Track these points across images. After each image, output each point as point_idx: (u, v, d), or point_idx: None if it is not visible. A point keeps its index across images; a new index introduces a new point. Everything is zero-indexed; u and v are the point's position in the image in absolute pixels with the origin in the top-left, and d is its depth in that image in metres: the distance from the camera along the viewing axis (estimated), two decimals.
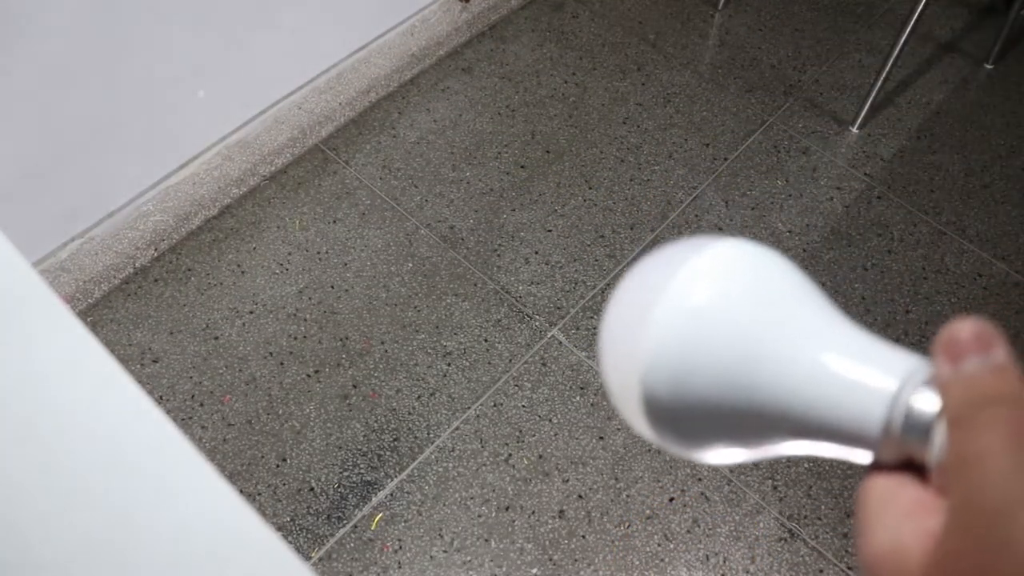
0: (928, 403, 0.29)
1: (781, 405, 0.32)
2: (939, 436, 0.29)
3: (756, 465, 1.46)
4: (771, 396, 0.32)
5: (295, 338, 1.57)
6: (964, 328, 0.28)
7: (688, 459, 0.44)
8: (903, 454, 0.30)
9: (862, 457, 0.32)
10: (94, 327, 1.57)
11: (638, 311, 0.35)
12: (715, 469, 1.44)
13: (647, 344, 0.34)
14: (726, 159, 1.85)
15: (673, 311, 0.34)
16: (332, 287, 1.63)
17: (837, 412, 0.31)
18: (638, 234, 1.72)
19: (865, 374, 0.31)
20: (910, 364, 0.31)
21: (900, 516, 0.29)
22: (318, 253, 1.68)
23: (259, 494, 1.42)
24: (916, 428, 0.30)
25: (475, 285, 1.64)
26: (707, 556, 1.37)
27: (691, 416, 0.34)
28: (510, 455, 1.45)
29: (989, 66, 2.03)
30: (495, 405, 1.50)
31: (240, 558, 0.44)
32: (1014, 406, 0.26)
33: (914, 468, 0.30)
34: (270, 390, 1.51)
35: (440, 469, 1.44)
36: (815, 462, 1.48)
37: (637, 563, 1.36)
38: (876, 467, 0.32)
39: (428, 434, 1.47)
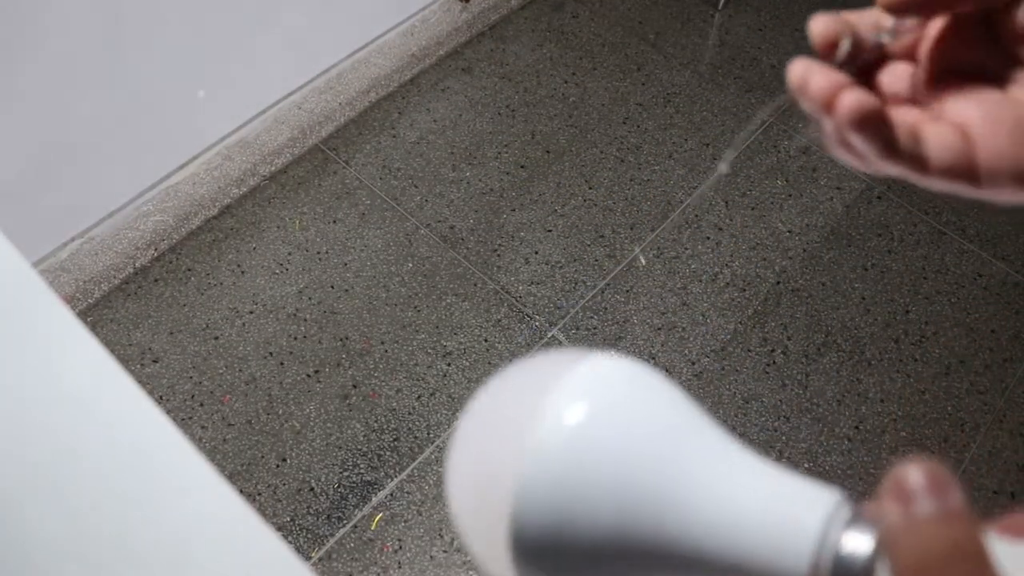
0: (860, 544, 0.27)
1: (686, 551, 0.28)
2: None
3: None
4: (673, 541, 0.28)
5: (295, 338, 1.57)
6: (917, 470, 0.26)
7: None
8: None
9: None
10: (94, 327, 1.57)
11: (506, 434, 0.30)
12: None
13: (519, 471, 0.28)
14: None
15: (551, 433, 0.29)
16: (332, 287, 1.63)
17: (754, 555, 0.27)
18: (638, 234, 1.72)
19: (785, 511, 0.28)
20: (831, 499, 0.27)
21: None
22: (318, 253, 1.68)
23: (259, 494, 1.42)
24: (849, 572, 0.27)
25: (475, 285, 1.64)
26: None
27: (573, 559, 0.29)
28: None
29: None
30: None
31: (240, 558, 0.44)
32: (975, 563, 0.24)
33: None
34: (270, 390, 1.51)
35: (440, 469, 1.44)
36: (815, 462, 1.48)
37: None
38: None
39: (428, 434, 1.47)
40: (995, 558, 0.24)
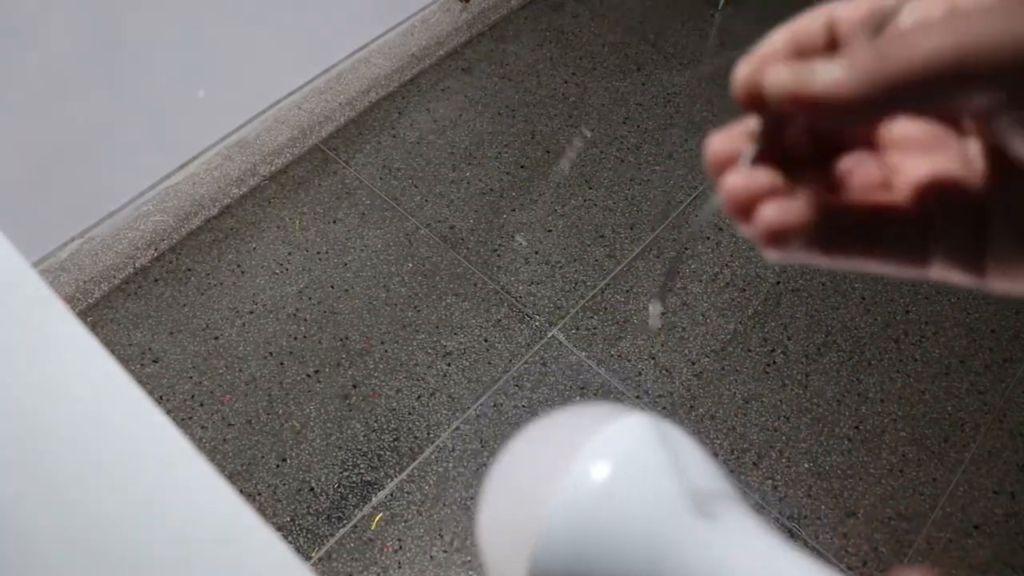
0: None
1: None
2: None
3: (756, 465, 1.46)
4: None
5: (295, 338, 1.57)
6: None
7: None
8: None
9: None
10: (94, 327, 1.57)
11: (530, 491, 0.31)
12: None
13: (540, 528, 0.29)
14: None
15: (571, 496, 0.30)
16: (332, 287, 1.63)
17: None
18: (638, 234, 1.72)
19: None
20: None
21: None
22: (318, 253, 1.68)
23: (259, 494, 1.42)
24: None
25: (475, 285, 1.64)
26: None
27: None
28: None
29: None
30: (495, 405, 1.50)
31: (240, 558, 0.44)
32: None
33: None
34: (270, 390, 1.51)
35: (440, 469, 1.44)
36: (815, 462, 1.48)
37: None
38: None
39: (428, 434, 1.47)
40: None
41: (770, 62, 0.26)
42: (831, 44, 0.27)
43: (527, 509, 0.30)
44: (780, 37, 0.28)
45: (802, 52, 0.27)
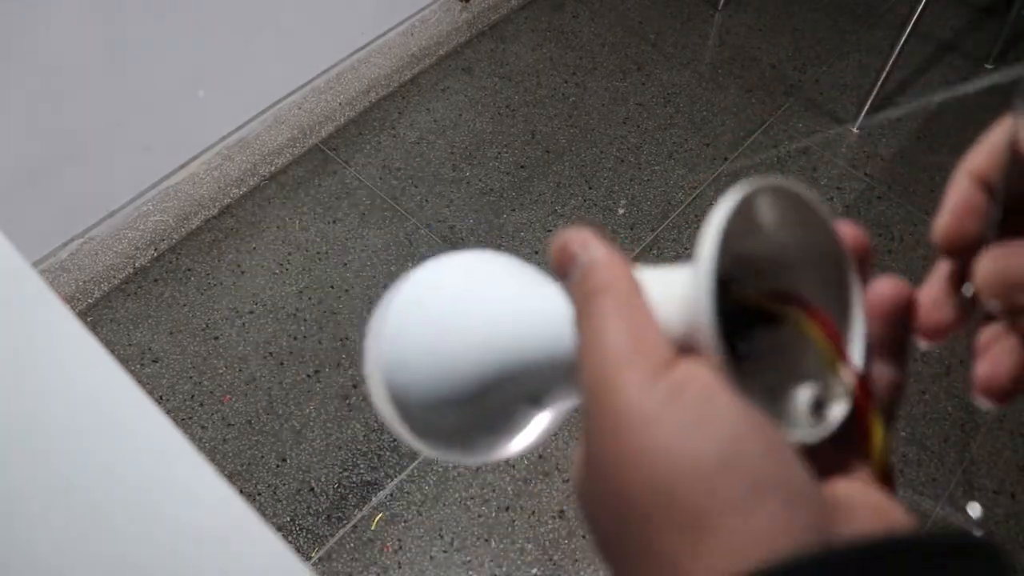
0: None
1: (496, 362, 0.32)
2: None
3: None
4: (479, 355, 0.33)
5: (295, 338, 1.57)
6: (563, 237, 0.30)
7: (472, 462, 0.44)
8: None
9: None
10: (94, 327, 1.57)
11: (371, 336, 0.37)
12: None
13: (378, 355, 0.35)
14: (726, 159, 1.85)
15: (387, 318, 0.35)
16: (332, 287, 1.63)
17: (539, 345, 0.31)
18: (638, 234, 1.72)
19: (552, 302, 0.32)
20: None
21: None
22: (318, 253, 1.68)
23: (259, 494, 1.42)
24: None
25: None
26: None
27: (432, 407, 0.34)
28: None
29: (989, 66, 2.03)
30: None
31: (240, 558, 0.44)
32: (613, 292, 0.28)
33: None
34: (270, 390, 1.51)
35: (440, 469, 1.44)
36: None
37: None
38: None
39: None
40: (647, 287, 0.29)
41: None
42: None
43: (373, 340, 0.36)
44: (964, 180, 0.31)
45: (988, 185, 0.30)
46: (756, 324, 0.31)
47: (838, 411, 0.29)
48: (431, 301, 0.35)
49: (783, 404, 0.30)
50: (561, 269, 0.30)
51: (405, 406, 0.35)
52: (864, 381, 0.29)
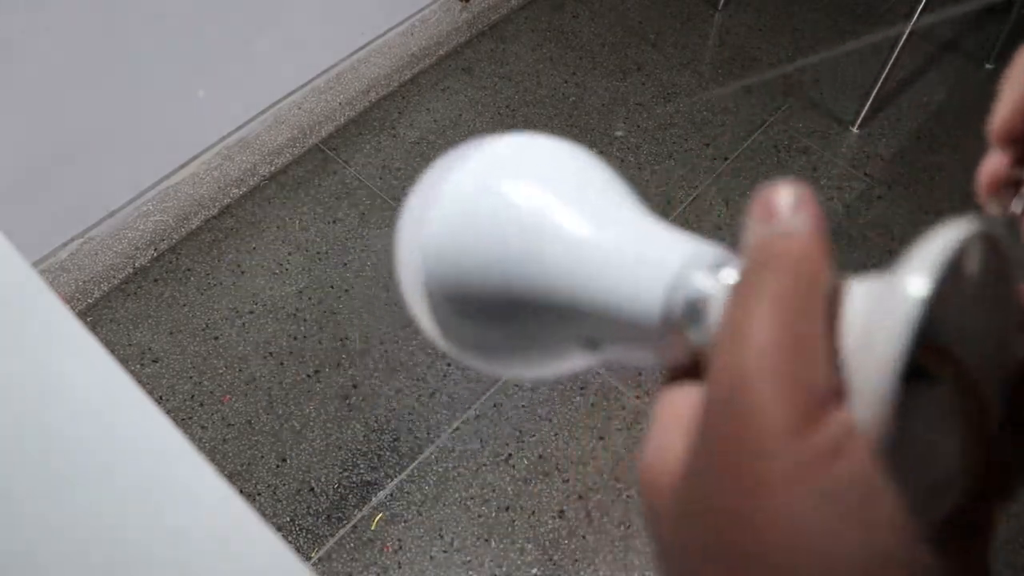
0: (713, 283, 0.25)
1: (556, 292, 0.28)
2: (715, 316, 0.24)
3: None
4: (545, 283, 0.28)
5: (295, 338, 1.57)
6: (784, 188, 0.24)
7: (491, 372, 0.39)
8: (690, 350, 0.26)
9: (652, 358, 0.28)
10: (94, 327, 1.57)
11: (416, 210, 0.32)
12: None
13: (424, 238, 0.31)
14: (726, 159, 1.85)
15: (446, 201, 0.30)
16: (332, 287, 1.63)
17: (615, 295, 0.27)
18: None
19: (646, 252, 0.27)
20: (701, 246, 0.27)
21: (671, 419, 0.25)
22: (318, 253, 1.68)
23: (259, 494, 1.42)
24: (698, 311, 0.25)
25: None
26: None
27: (472, 309, 0.30)
28: (510, 455, 1.45)
29: (990, 66, 2.03)
30: (495, 405, 1.50)
31: (240, 558, 0.44)
32: (795, 275, 0.22)
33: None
34: (270, 390, 1.52)
35: (440, 469, 1.44)
36: None
37: (637, 563, 1.36)
38: (672, 377, 0.27)
39: (428, 434, 1.47)
40: (844, 281, 0.23)
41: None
42: None
43: (418, 213, 0.31)
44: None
45: None
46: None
47: (957, 499, 0.24)
48: (508, 193, 0.30)
49: (915, 486, 0.24)
50: (756, 218, 0.24)
51: (441, 307, 0.31)
52: (1001, 476, 0.25)
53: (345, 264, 1.66)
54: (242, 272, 1.65)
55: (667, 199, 1.78)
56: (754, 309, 0.22)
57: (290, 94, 1.81)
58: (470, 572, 1.35)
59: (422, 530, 1.39)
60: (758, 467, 0.20)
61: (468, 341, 0.32)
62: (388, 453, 1.46)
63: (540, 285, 0.28)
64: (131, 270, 1.65)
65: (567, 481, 1.43)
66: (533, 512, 1.40)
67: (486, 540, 1.38)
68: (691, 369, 0.27)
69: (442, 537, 1.38)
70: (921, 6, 1.69)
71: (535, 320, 0.29)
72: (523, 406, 1.50)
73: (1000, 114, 0.30)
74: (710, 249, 0.27)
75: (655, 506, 0.24)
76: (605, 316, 0.27)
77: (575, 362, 0.31)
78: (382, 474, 1.44)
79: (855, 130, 1.91)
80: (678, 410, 0.25)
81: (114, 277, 1.64)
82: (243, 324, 1.59)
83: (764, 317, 0.21)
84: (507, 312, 0.29)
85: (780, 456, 0.20)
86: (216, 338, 1.57)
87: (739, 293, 0.22)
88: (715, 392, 0.22)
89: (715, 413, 0.22)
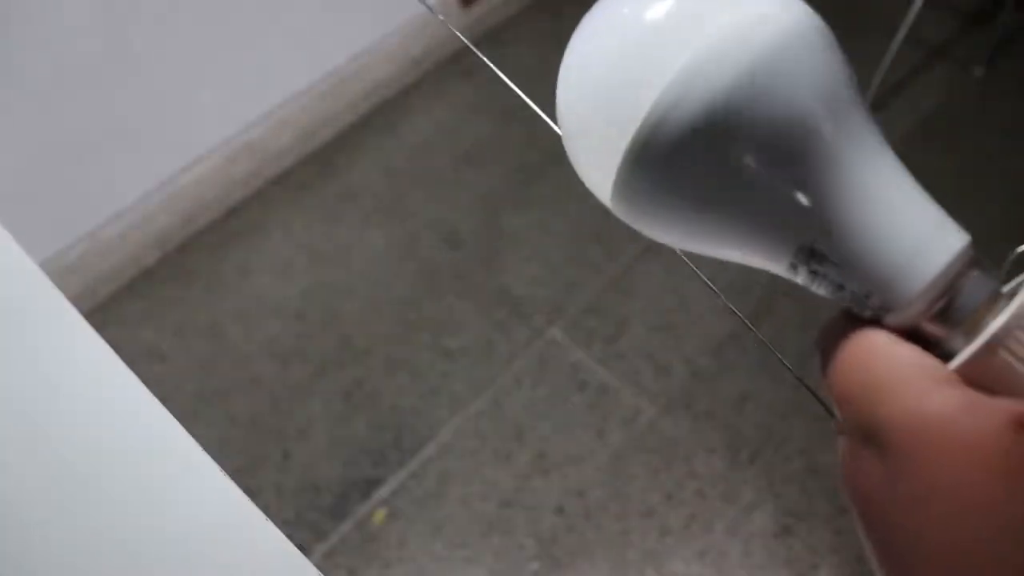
0: (984, 287, 0.25)
1: (831, 198, 0.26)
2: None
3: (751, 462, 1.48)
4: (836, 177, 0.26)
5: (299, 338, 1.59)
6: None
7: (651, 230, 0.32)
8: (918, 321, 0.26)
9: (849, 302, 0.26)
10: (100, 327, 1.58)
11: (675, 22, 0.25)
12: (711, 468, 1.46)
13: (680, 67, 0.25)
14: None
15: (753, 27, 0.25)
16: (335, 288, 1.65)
17: (891, 248, 0.25)
18: (638, 234, 1.73)
19: (945, 219, 0.26)
20: (965, 237, 0.26)
21: (931, 381, 0.24)
22: (321, 254, 1.70)
23: (263, 491, 1.43)
24: (979, 293, 0.25)
25: (476, 285, 1.66)
26: (703, 551, 1.39)
27: (706, 172, 0.26)
28: (510, 452, 1.47)
29: (979, 72, 2.04)
30: (495, 403, 1.52)
31: (244, 554, 0.44)
32: None
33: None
34: (274, 389, 1.53)
35: (441, 466, 1.46)
36: (810, 461, 1.49)
37: (635, 558, 1.37)
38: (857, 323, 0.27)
39: (430, 431, 1.49)
40: None
41: None
42: None
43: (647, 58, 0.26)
44: None
45: None
46: None
47: None
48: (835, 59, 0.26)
49: None
50: None
51: (629, 180, 0.27)
52: None
53: (348, 265, 1.68)
54: (247, 273, 1.67)
55: None
56: None
57: (293, 97, 1.83)
58: (471, 567, 1.37)
59: (424, 526, 1.40)
60: (936, 424, 0.22)
61: (640, 207, 0.28)
62: (390, 450, 1.47)
63: (829, 180, 0.26)
64: (137, 271, 1.67)
65: (566, 478, 1.45)
66: (533, 508, 1.42)
67: (487, 536, 1.39)
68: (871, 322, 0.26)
69: (443, 533, 1.40)
70: (914, 12, 1.70)
71: (769, 210, 0.26)
72: (523, 404, 1.52)
73: None
74: (968, 241, 0.26)
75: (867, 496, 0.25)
76: (862, 249, 0.25)
77: (759, 263, 0.29)
78: (384, 471, 1.45)
79: None
80: (930, 372, 0.25)
81: (121, 277, 1.65)
82: (247, 324, 1.60)
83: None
84: (744, 189, 0.26)
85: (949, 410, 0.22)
86: (221, 337, 1.59)
87: None
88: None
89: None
